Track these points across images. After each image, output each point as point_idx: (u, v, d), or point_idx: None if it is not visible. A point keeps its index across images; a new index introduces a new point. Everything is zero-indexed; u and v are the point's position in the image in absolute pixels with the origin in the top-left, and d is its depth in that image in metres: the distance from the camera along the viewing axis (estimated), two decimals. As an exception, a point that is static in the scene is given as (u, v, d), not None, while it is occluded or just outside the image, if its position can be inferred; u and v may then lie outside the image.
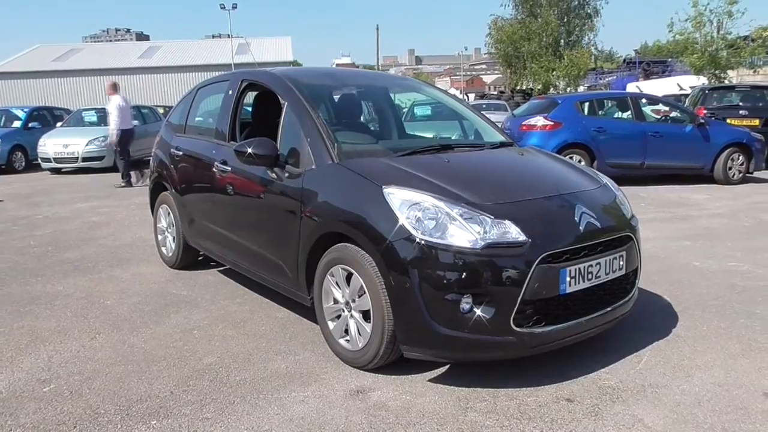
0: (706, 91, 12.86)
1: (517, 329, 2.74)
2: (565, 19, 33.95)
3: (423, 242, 2.72)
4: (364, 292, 2.97)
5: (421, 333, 2.78)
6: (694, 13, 22.56)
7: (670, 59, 40.81)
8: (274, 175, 3.54)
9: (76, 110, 16.55)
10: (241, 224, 3.98)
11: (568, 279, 2.81)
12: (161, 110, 17.68)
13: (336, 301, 3.22)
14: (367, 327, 3.00)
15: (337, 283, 3.18)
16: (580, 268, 2.86)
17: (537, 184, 3.26)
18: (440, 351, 2.82)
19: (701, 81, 21.87)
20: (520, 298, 2.70)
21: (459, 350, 2.79)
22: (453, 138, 4.03)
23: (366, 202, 2.95)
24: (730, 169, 10.03)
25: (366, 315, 3.04)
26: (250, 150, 3.48)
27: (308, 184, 3.32)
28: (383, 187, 2.93)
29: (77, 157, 13.42)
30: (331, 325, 3.28)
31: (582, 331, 2.95)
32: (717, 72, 22.69)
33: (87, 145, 13.44)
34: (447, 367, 3.11)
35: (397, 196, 2.87)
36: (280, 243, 3.55)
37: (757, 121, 11.60)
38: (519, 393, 2.86)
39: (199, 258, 5.16)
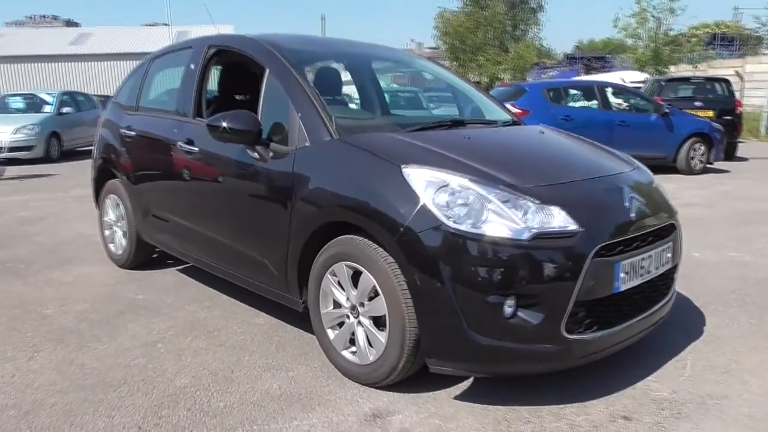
0: (663, 83, 12.94)
1: (568, 336, 2.29)
2: (511, 13, 34.13)
3: (457, 233, 2.23)
4: (377, 294, 2.46)
5: (455, 343, 2.28)
6: (638, 9, 22.98)
7: (608, 55, 41.85)
8: (255, 155, 2.95)
9: (0, 96, 15.13)
10: (211, 215, 3.36)
11: (622, 275, 2.39)
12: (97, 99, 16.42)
13: (338, 305, 2.69)
14: (381, 336, 2.48)
15: (339, 284, 2.65)
16: (633, 262, 2.44)
17: (574, 164, 2.82)
18: (476, 364, 2.34)
19: (644, 76, 22.31)
20: (573, 300, 2.25)
21: (499, 363, 2.32)
22: (462, 115, 3.55)
23: (380, 185, 2.43)
24: (692, 159, 10.02)
25: (378, 321, 2.52)
26: (225, 124, 2.89)
27: (301, 166, 2.76)
28: (402, 166, 2.41)
29: (2, 147, 12.18)
30: (331, 334, 2.74)
31: (631, 335, 2.54)
32: (659, 67, 23.20)
33: (14, 133, 12.22)
34: (470, 381, 2.63)
35: (420, 177, 2.36)
36: (264, 237, 2.98)
37: (711, 113, 11.69)
38: (565, 411, 2.42)
39: (154, 255, 4.49)
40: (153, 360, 2.90)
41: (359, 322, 2.59)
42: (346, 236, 2.57)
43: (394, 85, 15.15)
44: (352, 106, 3.61)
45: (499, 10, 33.19)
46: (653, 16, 23.05)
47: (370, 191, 2.45)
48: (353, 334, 2.64)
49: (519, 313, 2.22)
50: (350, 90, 3.49)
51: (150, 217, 3.97)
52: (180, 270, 4.38)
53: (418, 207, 2.30)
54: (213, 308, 3.60)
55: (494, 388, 2.56)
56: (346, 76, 3.49)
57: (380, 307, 2.46)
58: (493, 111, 3.69)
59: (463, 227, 2.23)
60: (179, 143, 3.50)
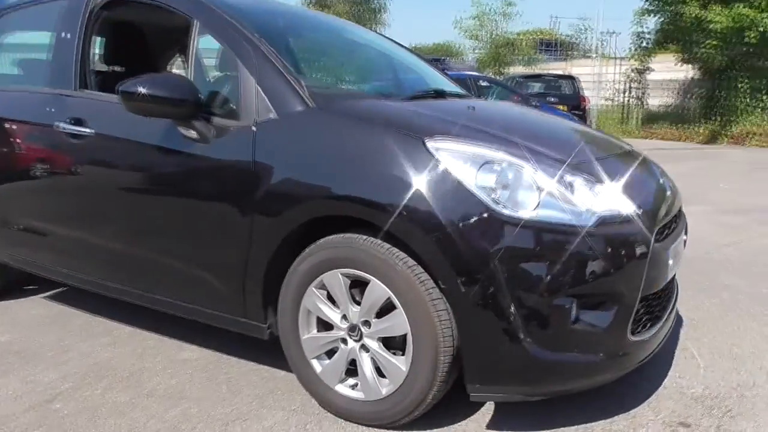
0: (519, 79, 13.55)
1: (632, 339, 1.91)
2: (354, 11, 34.31)
3: (512, 221, 1.74)
4: (392, 309, 1.88)
5: (511, 362, 1.79)
6: (477, 12, 24.22)
7: (443, 57, 44.02)
8: (192, 135, 2.19)
9: None
10: (120, 221, 2.50)
11: (670, 262, 2.06)
12: None
13: (327, 327, 2.06)
14: (398, 362, 1.91)
15: (330, 299, 2.02)
16: (676, 247, 2.13)
17: (590, 139, 2.45)
18: (536, 386, 1.86)
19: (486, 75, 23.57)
20: (639, 294, 1.88)
21: (561, 382, 1.86)
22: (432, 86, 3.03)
23: (397, 166, 1.84)
24: (557, 150, 10.52)
25: (390, 344, 1.95)
26: (145, 91, 2.10)
27: (266, 146, 2.07)
28: (426, 139, 1.85)
29: None
30: (317, 365, 2.09)
31: (667, 332, 2.24)
32: (499, 68, 24.67)
33: None
34: (490, 405, 2.16)
35: (454, 152, 1.83)
36: (208, 245, 2.23)
37: (565, 107, 12.45)
38: (615, 425, 2.04)
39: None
40: (55, 427, 2.02)
41: (363, 347, 1.99)
42: (341, 236, 1.96)
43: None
44: (327, 70, 2.93)
45: (340, 10, 33.20)
46: (490, 19, 24.44)
47: (381, 175, 1.86)
48: (353, 362, 2.02)
49: (584, 317, 1.79)
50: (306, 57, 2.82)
51: (9, 229, 2.93)
52: (49, 298, 3.35)
53: (458, 191, 1.77)
54: (117, 345, 2.72)
55: (514, 409, 2.10)
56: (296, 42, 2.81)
57: (397, 324, 1.88)
58: (448, 83, 3.22)
59: (518, 214, 1.74)
60: (60, 125, 2.56)
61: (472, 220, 1.74)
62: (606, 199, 1.85)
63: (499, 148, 1.86)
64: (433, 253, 1.78)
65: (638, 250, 1.85)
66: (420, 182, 1.80)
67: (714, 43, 12.59)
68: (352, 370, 2.05)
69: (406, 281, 1.84)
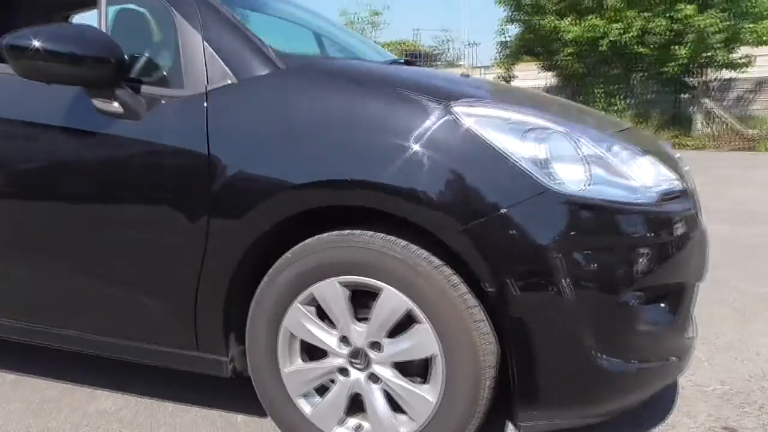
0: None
1: (688, 337, 1.62)
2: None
3: (572, 200, 1.38)
4: (414, 324, 1.45)
5: (578, 379, 1.42)
6: (345, 21, 24.21)
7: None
8: (114, 108, 1.61)
9: None
10: (7, 233, 1.82)
11: (705, 245, 1.82)
12: None
13: (318, 356, 1.57)
14: (424, 392, 1.48)
15: (322, 317, 1.54)
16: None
17: (593, 113, 2.16)
18: (601, 405, 1.49)
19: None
20: (699, 282, 1.60)
21: (627, 395, 1.51)
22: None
23: (417, 137, 1.41)
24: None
25: (408, 369, 1.51)
26: (42, 44, 1.50)
27: (223, 120, 1.55)
28: (452, 103, 1.44)
29: None
30: (305, 406, 1.60)
31: None
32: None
33: None
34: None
35: (489, 119, 1.43)
36: (140, 259, 1.65)
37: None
38: (663, 440, 1.76)
39: None
40: None
41: (371, 376, 1.53)
42: (339, 233, 1.49)
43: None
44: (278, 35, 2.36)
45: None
46: (357, 29, 24.52)
47: (396, 151, 1.41)
48: (355, 398, 1.56)
49: (650, 314, 1.47)
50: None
51: None
52: None
53: (502, 166, 1.38)
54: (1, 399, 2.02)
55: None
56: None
57: (422, 344, 1.45)
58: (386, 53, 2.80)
59: (577, 191, 1.39)
60: None
61: (525, 201, 1.36)
62: (655, 172, 1.55)
63: (536, 114, 1.50)
64: (474, 247, 1.37)
65: (696, 229, 1.57)
66: (450, 157, 1.39)
67: (570, 51, 13.33)
68: (354, 407, 1.59)
69: (434, 286, 1.41)
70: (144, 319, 1.71)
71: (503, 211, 1.35)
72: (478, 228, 1.36)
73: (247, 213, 1.51)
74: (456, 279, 1.42)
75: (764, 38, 11.63)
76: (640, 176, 1.49)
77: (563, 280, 1.35)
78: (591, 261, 1.38)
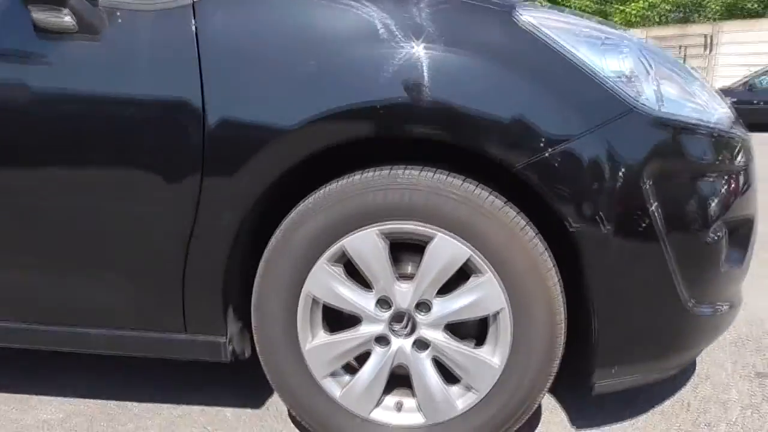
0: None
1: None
2: None
3: (661, 121, 1.19)
4: (478, 274, 1.20)
5: (664, 328, 1.24)
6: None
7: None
8: (66, 20, 1.20)
9: None
10: None
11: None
12: None
13: (347, 324, 1.28)
14: (486, 355, 1.24)
15: (352, 276, 1.25)
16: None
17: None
18: (678, 356, 1.32)
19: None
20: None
21: (698, 345, 1.36)
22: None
23: (481, 51, 1.15)
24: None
25: (463, 332, 1.27)
26: None
27: (223, 30, 1.20)
28: (517, 10, 1.18)
29: None
30: (334, 387, 1.30)
31: None
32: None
33: None
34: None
35: (562, 30, 1.19)
36: (110, 221, 1.27)
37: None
38: (701, 391, 1.64)
39: None
40: None
41: (418, 343, 1.26)
42: (380, 172, 1.20)
43: None
44: None
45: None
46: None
47: (452, 66, 1.15)
48: (395, 371, 1.28)
49: (729, 253, 1.32)
50: None
51: None
52: None
53: (583, 84, 1.15)
54: None
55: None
56: None
57: (484, 298, 1.20)
58: None
59: (664, 113, 1.19)
60: None
61: (612, 123, 1.14)
62: (709, 94, 1.40)
63: (601, 30, 1.29)
64: (555, 177, 1.14)
65: (754, 158, 1.44)
66: (522, 73, 1.15)
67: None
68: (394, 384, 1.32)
69: (499, 229, 1.17)
70: (114, 300, 1.33)
71: (587, 135, 1.13)
72: (559, 154, 1.13)
73: (257, 152, 1.18)
74: (522, 221, 1.19)
75: (633, 20, 12.33)
76: (703, 99, 1.33)
77: (655, 213, 1.16)
78: (681, 190, 1.20)
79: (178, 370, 1.74)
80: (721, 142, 1.27)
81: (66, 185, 1.26)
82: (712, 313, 1.28)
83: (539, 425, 1.47)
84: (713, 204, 1.23)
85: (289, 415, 1.52)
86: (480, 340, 1.29)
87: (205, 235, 1.24)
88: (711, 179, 1.23)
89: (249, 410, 1.55)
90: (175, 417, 1.53)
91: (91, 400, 1.61)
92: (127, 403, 1.59)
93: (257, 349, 1.31)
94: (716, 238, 1.24)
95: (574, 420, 1.50)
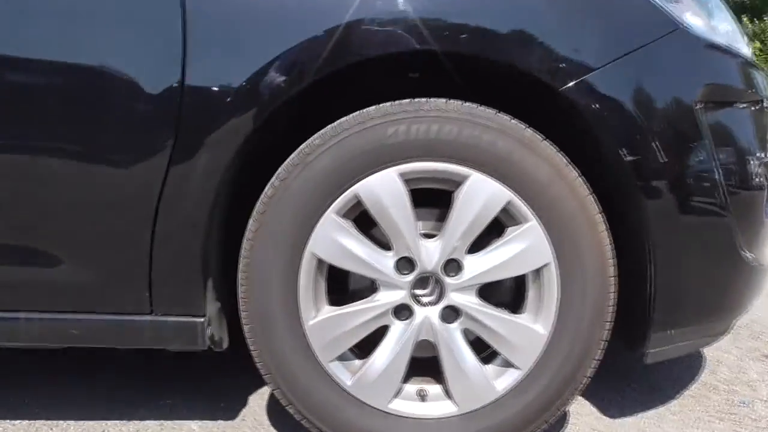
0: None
1: None
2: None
3: (713, 45, 1.09)
4: (519, 223, 1.02)
5: (721, 285, 1.11)
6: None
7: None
8: None
9: None
10: None
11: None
12: None
13: (353, 296, 1.05)
14: (527, 322, 1.04)
15: (356, 228, 1.03)
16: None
17: None
18: (730, 316, 1.18)
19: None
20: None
21: (746, 305, 1.22)
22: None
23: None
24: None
25: (494, 299, 1.06)
26: None
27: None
28: None
29: None
30: (343, 374, 1.05)
31: None
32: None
33: None
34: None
35: None
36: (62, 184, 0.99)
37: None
38: (721, 373, 1.51)
39: None
40: None
41: (446, 313, 1.04)
42: (397, 103, 1.00)
43: None
44: None
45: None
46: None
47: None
48: (419, 347, 1.06)
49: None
50: None
51: None
52: None
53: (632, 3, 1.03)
54: None
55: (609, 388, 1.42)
56: None
57: (528, 251, 1.01)
58: None
59: (712, 37, 1.09)
60: None
61: (663, 42, 1.01)
62: (741, 32, 1.31)
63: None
64: (604, 101, 0.99)
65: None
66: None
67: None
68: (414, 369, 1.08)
69: (543, 165, 1.00)
70: (51, 274, 1.03)
71: (640, 50, 1.00)
72: (608, 73, 0.99)
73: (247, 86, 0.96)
74: (565, 157, 1.02)
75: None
76: (737, 33, 1.24)
77: (709, 142, 1.03)
78: (732, 118, 1.09)
79: (122, 378, 1.42)
80: (758, 74, 1.18)
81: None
82: (761, 264, 1.15)
83: (569, 418, 1.28)
84: (756, 142, 1.12)
85: (273, 425, 1.24)
86: (514, 307, 1.09)
87: (182, 185, 0.98)
88: (756, 113, 1.13)
89: (221, 422, 1.26)
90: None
91: (3, 422, 1.25)
92: (60, 422, 1.25)
93: (245, 328, 1.04)
94: (762, 180, 1.13)
95: (605, 410, 1.31)
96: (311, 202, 1.00)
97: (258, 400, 1.34)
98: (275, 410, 1.28)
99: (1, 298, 1.04)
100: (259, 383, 1.37)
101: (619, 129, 1.00)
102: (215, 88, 0.97)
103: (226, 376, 1.45)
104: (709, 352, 1.67)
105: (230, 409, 1.31)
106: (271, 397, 1.35)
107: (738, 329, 1.86)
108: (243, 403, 1.33)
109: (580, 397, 1.36)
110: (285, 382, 1.05)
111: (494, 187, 1.00)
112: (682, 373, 1.52)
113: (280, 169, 1.01)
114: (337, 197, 1.00)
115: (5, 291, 1.04)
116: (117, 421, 1.25)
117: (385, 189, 1.00)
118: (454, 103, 1.01)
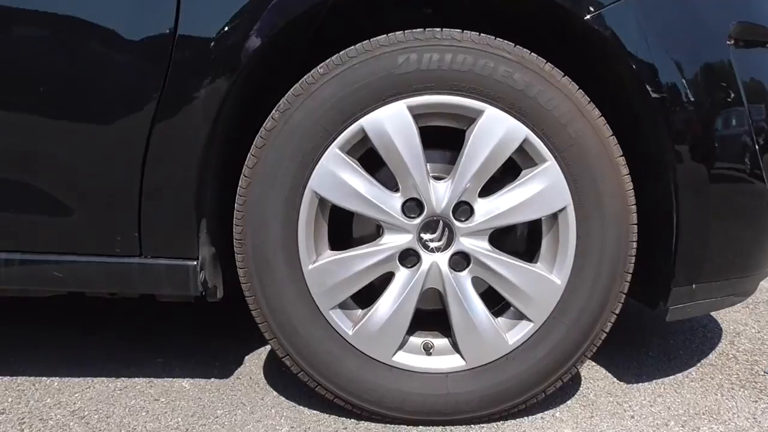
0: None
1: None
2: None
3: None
4: (536, 163, 0.95)
5: (745, 235, 1.04)
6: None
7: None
8: None
9: None
10: None
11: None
12: None
13: (357, 241, 0.99)
14: (542, 271, 0.97)
15: (361, 166, 0.96)
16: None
17: None
18: (758, 274, 1.10)
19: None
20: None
21: None
22: None
23: None
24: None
25: (506, 248, 0.99)
26: None
27: None
28: None
29: None
30: (343, 323, 0.98)
31: None
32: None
33: None
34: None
35: None
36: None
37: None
38: (736, 361, 1.44)
39: None
40: None
41: (455, 260, 0.97)
42: (409, 33, 0.93)
43: None
44: None
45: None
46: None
47: None
48: (424, 295, 0.99)
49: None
50: None
51: None
52: None
53: None
54: None
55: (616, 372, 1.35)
56: None
57: (546, 193, 0.94)
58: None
59: None
60: None
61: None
62: None
63: None
64: (633, 33, 0.92)
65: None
66: None
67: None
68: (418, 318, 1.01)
69: (564, 102, 0.93)
70: (31, 212, 0.96)
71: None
72: (637, 3, 0.92)
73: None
74: (585, 95, 0.95)
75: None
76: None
77: (738, 88, 0.95)
78: (761, 60, 1.01)
79: (117, 335, 1.36)
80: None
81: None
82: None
83: (582, 383, 1.21)
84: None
85: (270, 384, 1.17)
86: (526, 257, 1.02)
87: (173, 106, 0.91)
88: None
89: (215, 380, 1.19)
90: (112, 390, 1.15)
91: (-8, 377, 1.19)
92: (43, 378, 1.19)
93: (240, 271, 0.97)
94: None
95: (621, 376, 1.24)
96: (314, 136, 0.93)
97: (255, 360, 1.28)
98: (272, 369, 1.22)
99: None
100: (258, 343, 1.31)
101: (645, 64, 0.93)
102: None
103: (224, 335, 1.38)
104: (727, 325, 1.60)
105: (225, 368, 1.24)
106: (269, 356, 1.29)
107: (756, 303, 1.79)
108: (239, 362, 1.26)
109: (593, 363, 1.30)
110: (282, 330, 0.98)
111: (511, 123, 0.93)
112: (700, 343, 1.45)
113: (281, 101, 0.94)
114: (342, 131, 0.93)
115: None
116: (105, 378, 1.19)
117: (393, 123, 0.93)
118: (470, 34, 0.93)
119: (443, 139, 0.99)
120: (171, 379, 1.20)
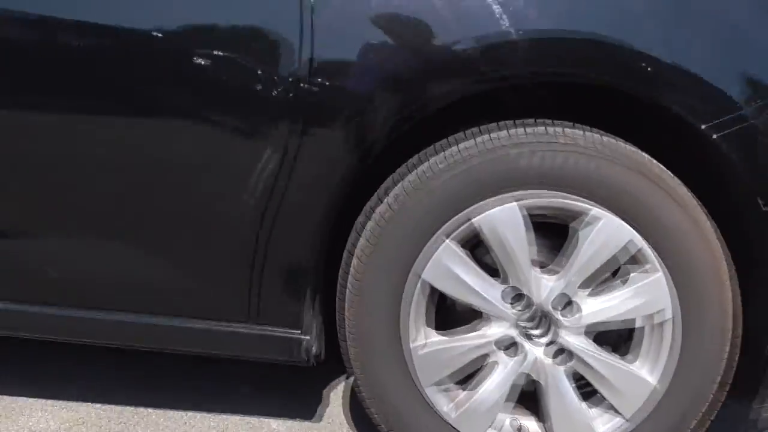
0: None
1: None
2: None
3: None
4: (640, 266, 0.97)
5: None
6: None
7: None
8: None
9: None
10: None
11: None
12: None
13: (455, 322, 1.04)
14: (638, 370, 1.00)
15: (471, 258, 1.00)
16: None
17: None
18: None
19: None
20: None
21: None
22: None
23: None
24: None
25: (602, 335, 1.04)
26: None
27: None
28: None
29: None
30: (442, 401, 1.03)
31: None
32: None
33: None
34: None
35: None
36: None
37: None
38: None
39: None
40: None
41: (558, 351, 1.00)
42: (530, 128, 0.94)
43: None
44: None
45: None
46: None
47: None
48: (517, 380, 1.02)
49: None
50: None
51: None
52: None
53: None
54: None
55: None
56: None
57: (650, 299, 0.96)
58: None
59: None
60: None
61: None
62: None
63: None
64: (751, 154, 0.92)
65: None
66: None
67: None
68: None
69: (676, 208, 0.93)
70: (149, 275, 1.03)
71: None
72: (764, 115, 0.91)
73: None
74: (703, 210, 0.95)
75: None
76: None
77: None
78: None
79: (200, 371, 1.43)
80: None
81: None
82: None
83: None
84: None
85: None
86: (617, 347, 1.05)
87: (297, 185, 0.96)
88: None
89: (307, 423, 1.25)
90: (214, 423, 1.22)
91: (101, 406, 1.27)
92: (148, 409, 1.27)
93: (343, 343, 1.02)
94: None
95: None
96: (429, 228, 0.96)
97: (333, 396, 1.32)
98: (357, 412, 1.27)
99: (100, 296, 1.05)
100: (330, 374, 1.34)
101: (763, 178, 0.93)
102: None
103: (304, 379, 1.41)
104: None
105: (304, 404, 1.29)
106: (350, 395, 1.32)
107: None
108: (324, 406, 1.31)
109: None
110: (380, 404, 1.03)
111: (618, 227, 0.94)
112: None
113: (397, 190, 0.97)
114: (456, 224, 0.96)
115: (105, 290, 1.04)
116: (193, 412, 1.26)
117: (506, 223, 0.95)
118: (593, 137, 0.94)
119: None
120: (259, 417, 1.26)
